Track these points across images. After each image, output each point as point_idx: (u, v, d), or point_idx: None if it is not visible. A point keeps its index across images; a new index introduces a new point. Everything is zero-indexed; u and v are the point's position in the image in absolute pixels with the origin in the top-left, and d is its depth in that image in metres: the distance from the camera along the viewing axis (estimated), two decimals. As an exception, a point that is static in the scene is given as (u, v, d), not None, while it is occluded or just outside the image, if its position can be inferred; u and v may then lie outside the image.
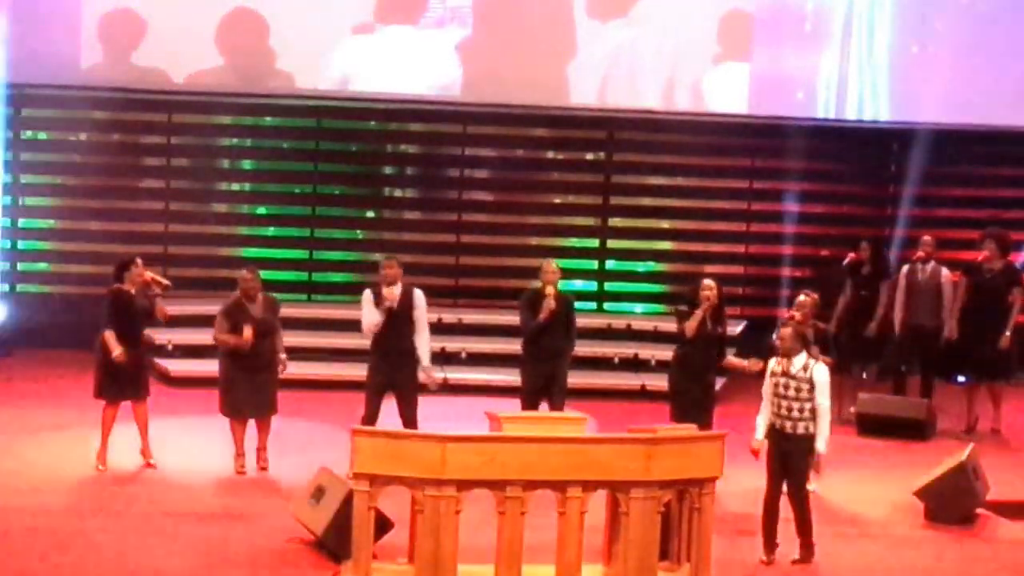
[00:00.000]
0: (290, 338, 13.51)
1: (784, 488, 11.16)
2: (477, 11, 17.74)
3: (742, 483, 12.07)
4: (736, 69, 17.96)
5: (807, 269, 18.52)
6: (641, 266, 18.75)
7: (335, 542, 10.64)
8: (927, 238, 15.54)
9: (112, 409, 12.75)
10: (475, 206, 18.56)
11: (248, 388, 12.77)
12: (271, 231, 18.42)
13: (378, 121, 18.52)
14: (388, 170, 18.87)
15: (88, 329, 13.47)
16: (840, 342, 14.63)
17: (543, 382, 13.12)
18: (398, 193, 18.87)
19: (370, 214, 18.74)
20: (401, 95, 17.84)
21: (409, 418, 12.74)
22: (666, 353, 14.27)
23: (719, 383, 14.37)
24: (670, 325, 13.77)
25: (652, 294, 18.57)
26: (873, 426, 14.93)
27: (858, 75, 18.05)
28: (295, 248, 18.28)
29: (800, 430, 11.07)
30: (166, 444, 13.18)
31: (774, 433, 11.16)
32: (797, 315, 12.59)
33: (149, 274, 12.76)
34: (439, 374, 13.72)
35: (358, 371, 13.21)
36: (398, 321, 12.71)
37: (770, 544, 11.19)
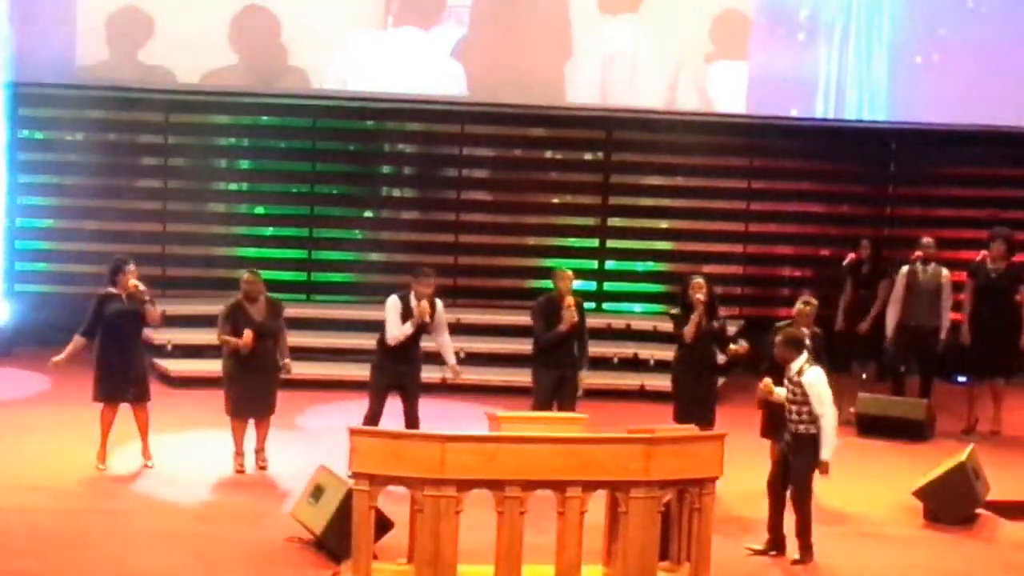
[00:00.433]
0: (289, 338, 13.49)
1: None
2: (476, 10, 17.74)
3: (742, 483, 12.06)
4: (735, 68, 17.96)
5: (806, 269, 18.53)
6: (640, 266, 18.74)
7: (335, 542, 10.64)
8: (927, 239, 15.53)
9: (110, 410, 12.73)
10: (474, 206, 18.54)
11: (248, 388, 12.78)
12: (269, 231, 18.40)
13: (376, 120, 18.50)
14: (386, 170, 18.86)
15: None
16: (840, 342, 14.61)
17: (556, 385, 13.05)
18: (396, 193, 18.86)
19: (368, 214, 18.72)
20: (399, 94, 17.83)
21: (413, 417, 12.79)
22: (666, 353, 14.28)
23: (719, 383, 14.36)
24: (669, 325, 13.76)
25: (651, 294, 18.56)
26: (873, 426, 14.92)
27: (857, 74, 18.04)
28: (293, 248, 18.26)
29: (800, 429, 11.10)
30: (165, 444, 13.17)
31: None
32: (804, 326, 12.57)
33: (133, 282, 12.64)
34: (438, 374, 13.73)
35: (357, 371, 13.22)
36: (419, 331, 12.79)
37: (772, 538, 11.20)
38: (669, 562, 10.33)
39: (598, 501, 10.14)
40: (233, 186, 18.65)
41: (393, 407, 12.87)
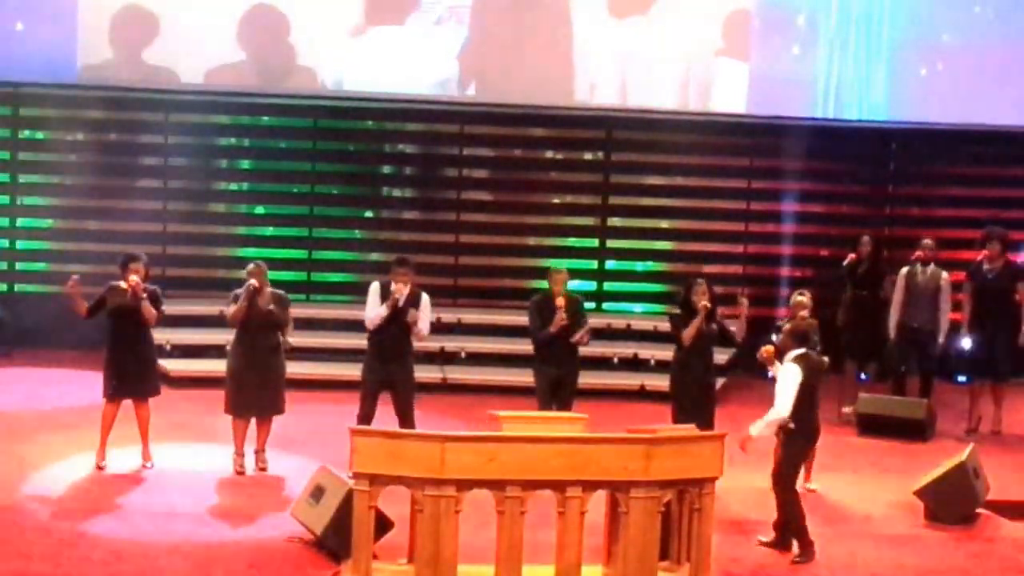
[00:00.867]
0: (289, 338, 13.48)
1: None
2: (475, 10, 17.74)
3: (742, 483, 12.06)
4: (735, 68, 17.97)
5: (806, 269, 18.53)
6: (640, 266, 18.75)
7: (335, 542, 10.63)
8: (927, 240, 15.54)
9: (112, 407, 12.71)
10: (474, 206, 18.55)
11: (249, 387, 12.72)
12: (269, 231, 18.41)
13: (376, 120, 18.51)
14: (386, 170, 18.87)
15: (87, 329, 13.45)
16: (841, 342, 14.59)
17: (553, 386, 13.06)
18: (396, 193, 18.86)
19: (368, 214, 18.73)
20: (399, 94, 17.84)
21: (406, 416, 12.72)
22: (665, 353, 14.27)
23: (719, 383, 14.36)
24: (669, 325, 13.75)
25: (651, 294, 18.57)
26: (873, 426, 14.92)
27: (857, 74, 18.05)
28: (293, 248, 18.27)
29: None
30: (165, 444, 13.16)
31: None
32: (803, 313, 12.60)
33: (134, 279, 12.58)
34: (438, 373, 13.71)
35: (357, 371, 13.19)
36: (398, 320, 12.69)
37: (779, 536, 11.23)
38: (669, 562, 10.31)
39: (598, 501, 10.13)
40: (233, 186, 18.67)
41: (391, 408, 12.84)
